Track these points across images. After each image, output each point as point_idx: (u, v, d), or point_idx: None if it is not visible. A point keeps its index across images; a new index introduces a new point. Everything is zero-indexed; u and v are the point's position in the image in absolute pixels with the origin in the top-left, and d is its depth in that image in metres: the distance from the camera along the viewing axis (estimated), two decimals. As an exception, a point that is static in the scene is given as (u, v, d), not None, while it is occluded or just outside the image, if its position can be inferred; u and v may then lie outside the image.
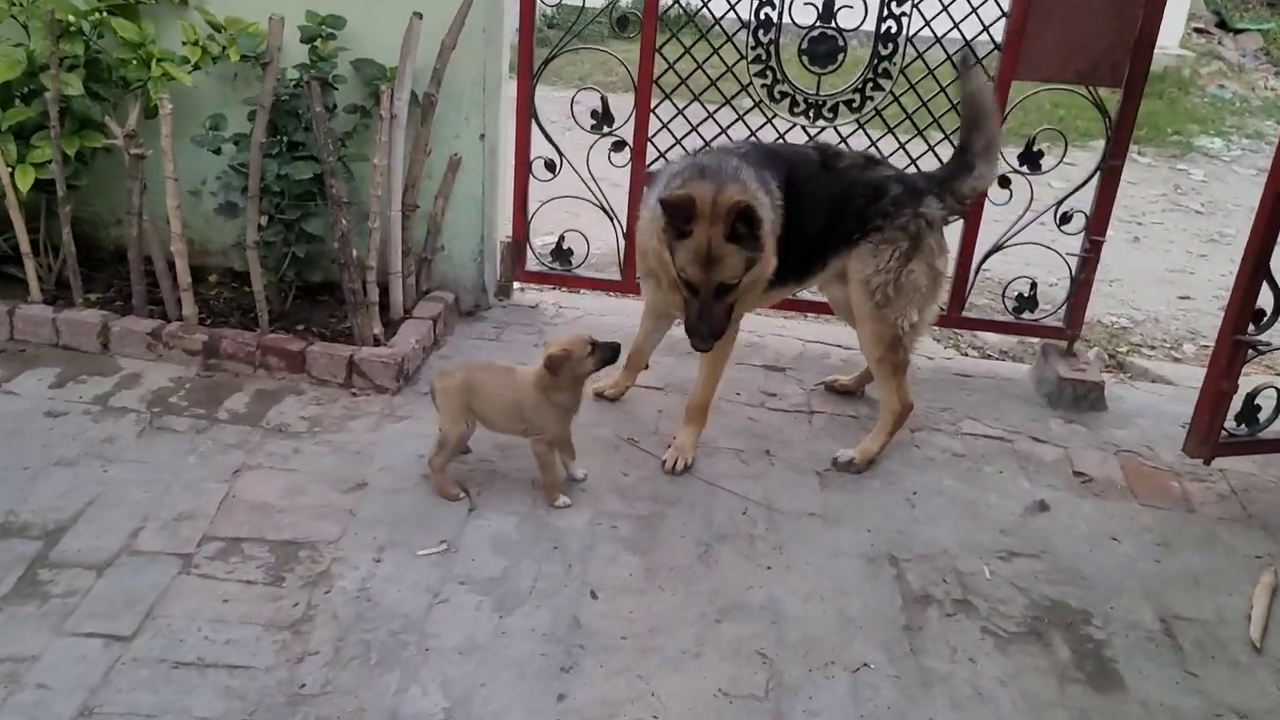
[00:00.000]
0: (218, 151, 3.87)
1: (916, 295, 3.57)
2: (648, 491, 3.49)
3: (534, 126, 4.44)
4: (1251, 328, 3.56)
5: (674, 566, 3.13)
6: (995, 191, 4.31)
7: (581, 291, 4.85)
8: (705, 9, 4.23)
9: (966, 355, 5.09)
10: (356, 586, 2.91)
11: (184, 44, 3.84)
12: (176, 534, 3.05)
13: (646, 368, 4.08)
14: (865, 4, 4.15)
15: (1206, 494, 3.75)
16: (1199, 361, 5.50)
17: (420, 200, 4.30)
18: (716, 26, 4.28)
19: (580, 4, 4.20)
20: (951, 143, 4.35)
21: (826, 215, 3.54)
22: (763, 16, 4.18)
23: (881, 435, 3.74)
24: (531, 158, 4.50)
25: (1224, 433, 3.69)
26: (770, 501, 3.49)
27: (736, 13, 4.21)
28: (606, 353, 3.31)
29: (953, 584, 3.16)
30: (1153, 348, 5.67)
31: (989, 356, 5.15)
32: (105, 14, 3.80)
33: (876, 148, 4.34)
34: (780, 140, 4.28)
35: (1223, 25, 13.68)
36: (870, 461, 3.72)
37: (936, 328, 4.53)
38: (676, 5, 4.24)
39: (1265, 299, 3.54)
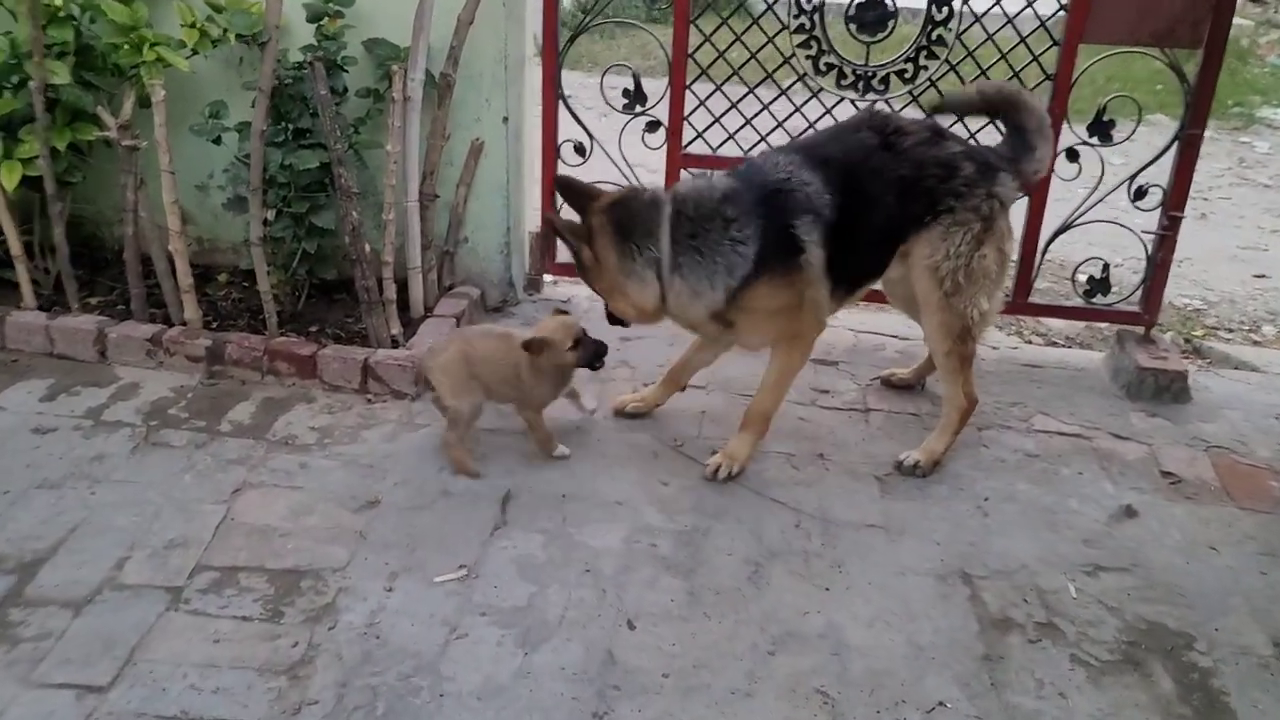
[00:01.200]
0: (217, 141, 3.60)
1: (987, 281, 3.24)
2: (690, 503, 3.16)
3: (561, 108, 4.12)
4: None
5: (720, 589, 2.80)
6: (1063, 166, 3.95)
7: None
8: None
9: (1030, 343, 4.71)
10: (364, 621, 2.62)
11: (182, 26, 3.55)
12: (166, 564, 2.77)
13: (683, 389, 3.68)
14: (918, -37, 3.78)
15: (1312, 496, 3.37)
16: (1282, 346, 5.12)
17: (440, 189, 4.00)
18: (755, -7, 3.93)
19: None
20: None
21: (896, 200, 3.17)
22: (805, -20, 3.84)
23: (946, 434, 3.39)
24: (560, 141, 4.18)
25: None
26: (826, 512, 3.16)
27: (777, -23, 3.87)
28: (589, 350, 3.18)
29: (1035, 605, 2.81)
30: (1230, 331, 5.25)
31: (1054, 344, 4.76)
32: (97, -3, 3.53)
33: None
34: (829, 118, 3.94)
35: (1281, -9, 13.03)
36: (935, 464, 3.37)
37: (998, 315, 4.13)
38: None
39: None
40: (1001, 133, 3.48)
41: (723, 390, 3.80)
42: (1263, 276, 5.97)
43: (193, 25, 3.52)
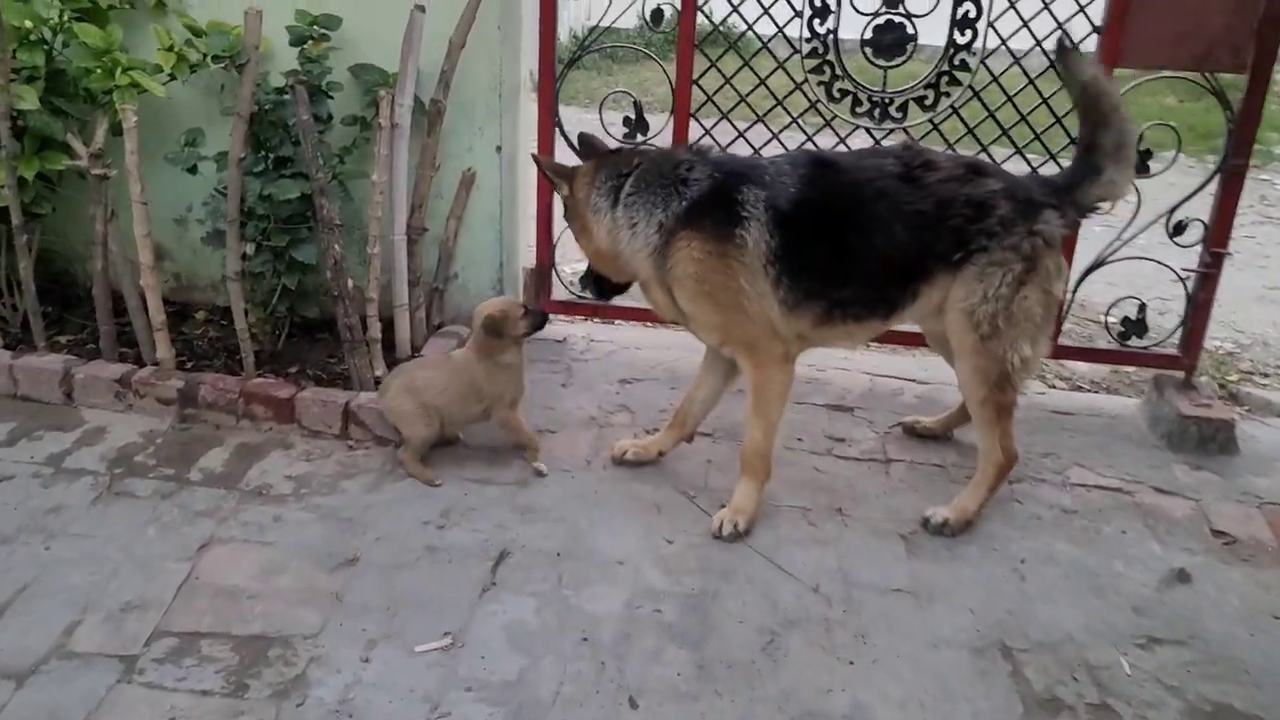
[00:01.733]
0: (193, 170, 3.36)
1: (1029, 325, 2.95)
2: (696, 563, 2.88)
3: (558, 136, 3.89)
4: None
5: (732, 663, 2.51)
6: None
7: (616, 322, 4.28)
8: (754, -3, 3.66)
9: (1054, 387, 4.44)
10: (337, 697, 2.33)
11: (159, 50, 3.33)
12: (121, 629, 2.49)
13: (691, 439, 3.40)
14: (939, -16, 3.55)
15: (1381, 557, 3.07)
16: (1321, 391, 4.84)
17: (429, 222, 3.77)
18: (764, 16, 3.69)
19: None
20: (1044, 144, 3.77)
21: (907, 232, 2.90)
22: (818, 4, 3.61)
23: (980, 490, 3.11)
24: (557, 173, 3.95)
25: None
26: (847, 574, 2.87)
27: (788, 1, 3.64)
28: (537, 317, 3.25)
29: (1085, 682, 2.51)
30: (1265, 375, 4.97)
31: (1079, 388, 4.48)
32: (69, 19, 3.32)
33: (955, 152, 3.73)
34: (844, 148, 3.71)
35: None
36: (967, 523, 3.09)
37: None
38: (719, -7, 3.66)
39: None
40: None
41: (730, 438, 3.52)
42: (1295, 318, 5.72)
43: (170, 49, 3.30)
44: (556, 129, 3.87)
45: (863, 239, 2.91)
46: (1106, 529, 3.17)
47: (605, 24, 3.78)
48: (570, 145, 3.88)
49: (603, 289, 3.26)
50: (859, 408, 3.82)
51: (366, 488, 3.12)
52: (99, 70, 3.24)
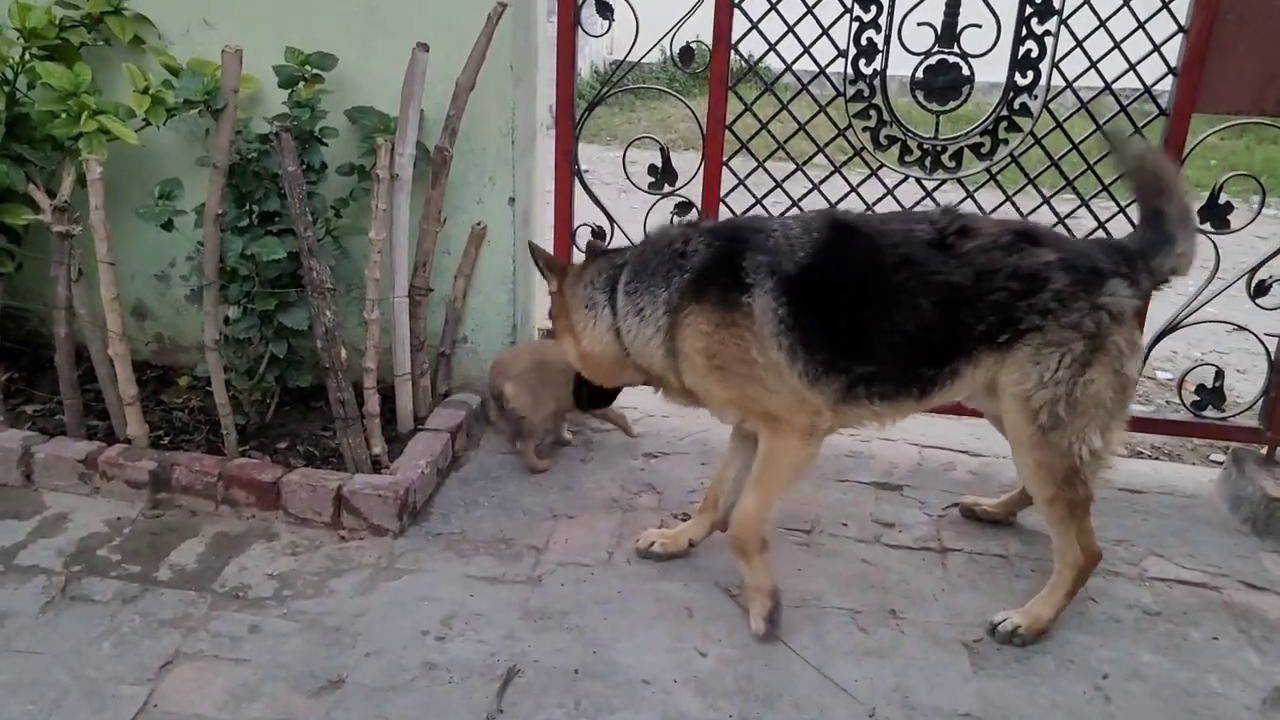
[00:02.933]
0: (168, 226, 3.02)
1: (1099, 413, 2.58)
2: (734, 682, 2.51)
3: (577, 186, 3.55)
4: None
5: (781, 818, 2.14)
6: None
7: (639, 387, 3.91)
8: (791, 33, 3.31)
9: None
10: None
11: (133, 93, 3.01)
12: (61, 779, 2.13)
13: (725, 527, 2.95)
14: (998, 22, 3.21)
15: None
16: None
17: (435, 282, 3.43)
18: (805, 56, 3.36)
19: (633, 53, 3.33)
20: (1113, 195, 3.41)
21: (938, 311, 2.54)
22: (864, 42, 3.27)
23: (1057, 594, 2.73)
24: (575, 225, 3.62)
25: None
26: (907, 695, 2.49)
27: (830, 38, 3.30)
28: None
29: (1195, 841, 2.13)
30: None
31: (1139, 453, 4.11)
32: (32, 57, 3.00)
33: (1014, 205, 3.39)
34: (891, 199, 3.36)
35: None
36: (1041, 632, 2.71)
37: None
38: (755, 31, 3.33)
39: None
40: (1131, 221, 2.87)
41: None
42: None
43: (145, 91, 2.97)
44: (576, 179, 3.54)
45: (881, 312, 2.56)
46: (1195, 634, 2.79)
47: (630, 60, 3.44)
48: (592, 197, 3.58)
49: (593, 399, 3.15)
50: (908, 485, 3.45)
51: (358, 588, 2.76)
52: (64, 115, 2.91)
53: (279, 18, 3.25)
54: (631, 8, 3.28)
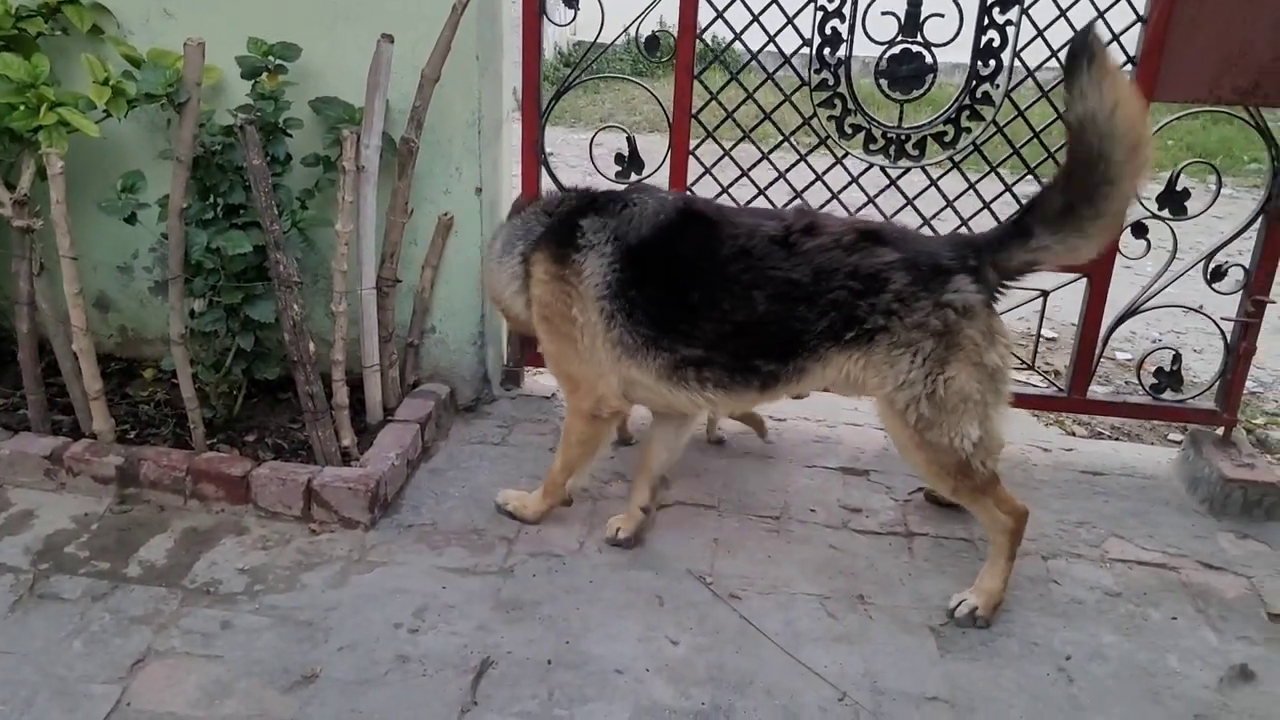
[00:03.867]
0: (131, 220, 2.98)
1: (970, 406, 2.59)
2: (706, 669, 2.54)
3: (544, 176, 3.55)
4: None
5: (753, 803, 2.18)
6: (1129, 242, 3.40)
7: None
8: (756, 21, 3.32)
9: (1074, 434, 4.13)
10: None
11: (93, 84, 2.96)
12: (33, 780, 2.13)
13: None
14: (960, 11, 3.23)
15: None
16: (1353, 434, 4.57)
17: (403, 273, 3.42)
18: (770, 44, 3.37)
19: (597, 37, 3.32)
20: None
21: (772, 304, 2.60)
22: (829, 31, 3.29)
23: (999, 563, 2.79)
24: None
25: None
26: (875, 680, 2.54)
27: (795, 27, 3.32)
28: None
29: (1156, 818, 2.19)
30: (1292, 417, 4.70)
31: (1100, 434, 4.19)
32: (-9, 49, 2.95)
33: (976, 192, 3.43)
34: (856, 187, 3.39)
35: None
36: (996, 606, 2.76)
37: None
38: (720, 20, 3.33)
39: None
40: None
41: (737, 512, 3.19)
42: (1315, 352, 5.44)
43: (105, 82, 2.93)
44: (543, 167, 3.53)
45: (709, 299, 2.63)
46: (1155, 615, 2.85)
47: (594, 48, 3.43)
48: (559, 185, 3.57)
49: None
50: (874, 470, 3.50)
51: (330, 582, 2.76)
52: (22, 107, 2.86)
53: (241, 6, 3.21)
54: (598, -2, 3.29)
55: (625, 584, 2.84)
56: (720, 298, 2.62)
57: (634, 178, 3.52)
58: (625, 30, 3.34)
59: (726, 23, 3.32)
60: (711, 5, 3.29)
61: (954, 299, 2.55)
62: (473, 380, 3.65)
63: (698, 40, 3.33)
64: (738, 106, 3.44)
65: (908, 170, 3.44)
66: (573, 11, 3.36)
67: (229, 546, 2.88)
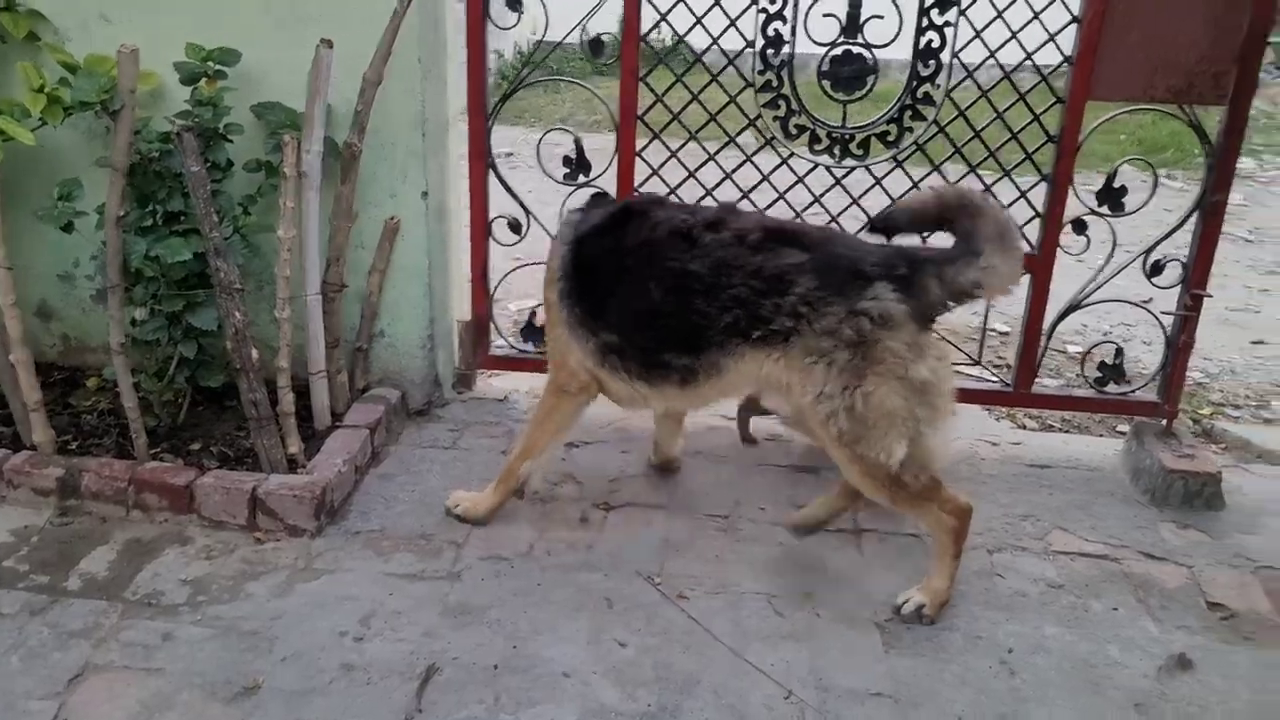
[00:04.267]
0: (68, 229, 2.95)
1: (894, 422, 2.55)
2: (653, 670, 2.55)
3: (492, 179, 3.54)
4: None
5: (697, 803, 2.19)
6: (1069, 239, 3.46)
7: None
8: (699, 24, 3.34)
9: (1024, 427, 4.18)
10: None
11: (28, 91, 2.93)
12: (-33, 799, 2.10)
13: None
14: (899, 14, 3.26)
15: (1388, 628, 2.84)
16: (1295, 422, 4.66)
17: (350, 277, 3.40)
18: (714, 48, 3.38)
19: (539, 37, 3.32)
20: (1013, 180, 3.50)
21: (665, 295, 2.65)
22: (771, 33, 3.31)
23: (944, 562, 2.81)
24: (491, 217, 3.61)
25: None
26: (821, 677, 2.56)
27: (738, 29, 3.33)
28: None
29: (1093, 807, 2.23)
30: (1237, 407, 4.78)
31: (1051, 427, 4.24)
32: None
33: (919, 189, 3.46)
34: (802, 187, 3.41)
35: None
36: (943, 604, 2.80)
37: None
38: (665, 23, 3.34)
39: None
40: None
41: (688, 512, 3.20)
42: (1261, 342, 5.54)
43: (41, 90, 2.89)
44: (491, 171, 3.53)
45: (612, 287, 2.74)
46: (1096, 606, 2.89)
47: (539, 50, 3.43)
48: (507, 188, 3.57)
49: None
50: (825, 468, 3.50)
51: (275, 591, 2.74)
52: (-46, 116, 2.82)
53: (180, 12, 3.18)
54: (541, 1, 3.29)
55: (574, 586, 2.85)
56: (622, 286, 2.71)
57: (581, 180, 3.52)
58: (567, 36, 3.34)
59: (670, 25, 3.34)
60: (654, 8, 3.30)
61: (870, 307, 2.50)
62: (423, 384, 3.64)
63: (642, 43, 3.34)
64: (683, 109, 3.45)
65: (853, 170, 3.46)
66: (517, 15, 3.35)
67: (172, 557, 2.86)
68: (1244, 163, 9.27)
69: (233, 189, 3.19)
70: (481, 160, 3.49)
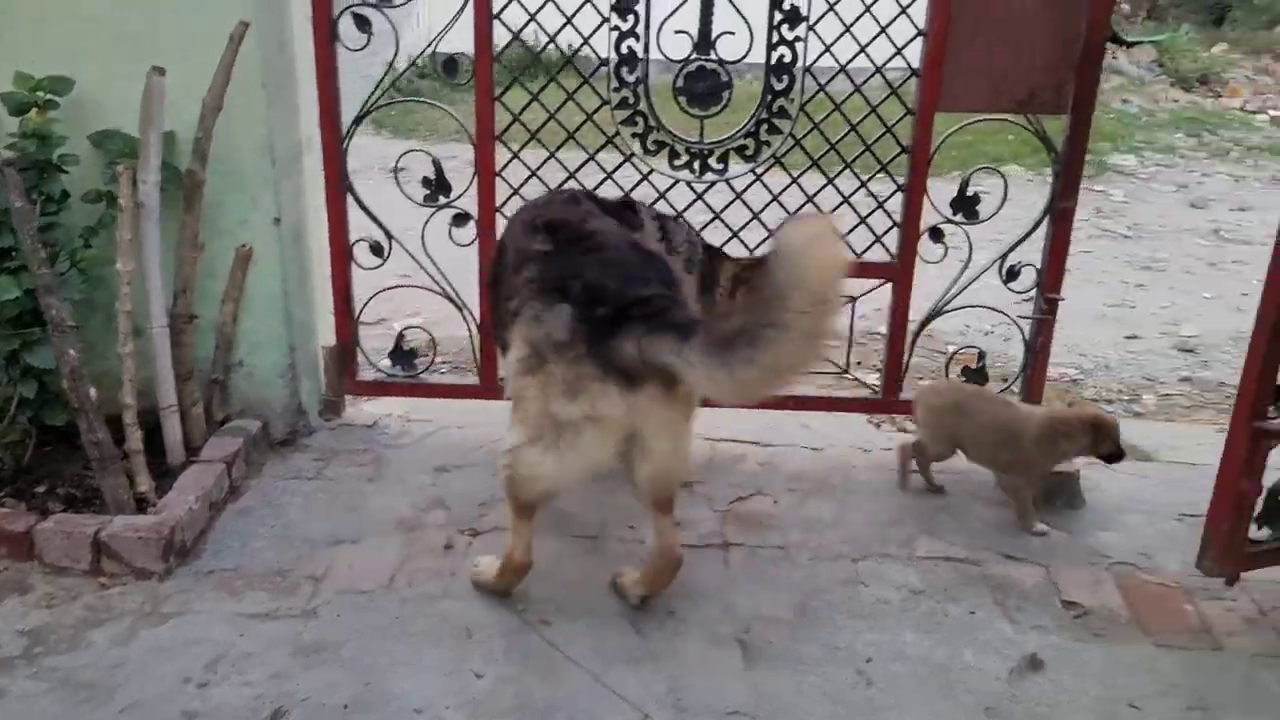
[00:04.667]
0: (-116, 271, 2.82)
1: (539, 435, 2.56)
2: (511, 700, 2.52)
3: (350, 201, 3.49)
4: (1273, 410, 2.78)
5: (543, 837, 2.16)
6: (927, 246, 3.52)
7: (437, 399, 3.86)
8: (552, 43, 3.32)
9: (905, 431, 4.24)
10: None
11: None
12: None
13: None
14: (750, 29, 3.29)
15: (1231, 620, 2.92)
16: (1165, 415, 4.81)
17: (202, 307, 3.30)
18: (569, 65, 3.37)
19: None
20: (869, 190, 3.55)
21: (495, 289, 2.96)
22: (625, 50, 3.31)
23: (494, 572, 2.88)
24: (353, 240, 3.55)
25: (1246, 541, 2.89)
26: (680, 697, 2.55)
27: (591, 47, 3.33)
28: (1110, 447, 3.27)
29: (937, 816, 2.25)
30: (1110, 402, 4.93)
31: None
32: None
33: (781, 204, 3.50)
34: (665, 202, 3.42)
35: (1115, 40, 13.37)
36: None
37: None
38: (519, 43, 3.33)
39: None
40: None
41: (555, 533, 3.17)
42: (1134, 337, 5.73)
43: None
44: (347, 194, 3.47)
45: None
46: (954, 610, 2.94)
47: (395, 73, 3.38)
48: (365, 210, 3.51)
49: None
50: (697, 481, 3.52)
51: (117, 638, 2.65)
52: None
53: (9, 40, 3.06)
54: (389, 20, 3.24)
55: (435, 616, 2.80)
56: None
57: (441, 200, 3.48)
58: (416, 59, 3.30)
59: (524, 44, 3.32)
60: (506, 26, 3.28)
61: (549, 327, 2.47)
62: (285, 413, 3.55)
63: (496, 62, 3.31)
64: (540, 127, 3.43)
65: (713, 184, 3.48)
66: (366, 35, 3.29)
67: (10, 608, 2.74)
68: (1126, 160, 9.62)
69: (72, 221, 3.08)
70: (338, 183, 3.42)
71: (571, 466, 2.55)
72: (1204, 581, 2.99)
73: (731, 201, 3.51)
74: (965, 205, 3.50)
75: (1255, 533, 2.92)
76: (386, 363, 3.76)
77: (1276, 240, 2.65)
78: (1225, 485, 2.83)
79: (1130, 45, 13.19)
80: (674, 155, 3.45)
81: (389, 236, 3.54)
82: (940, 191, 3.61)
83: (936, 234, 3.53)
